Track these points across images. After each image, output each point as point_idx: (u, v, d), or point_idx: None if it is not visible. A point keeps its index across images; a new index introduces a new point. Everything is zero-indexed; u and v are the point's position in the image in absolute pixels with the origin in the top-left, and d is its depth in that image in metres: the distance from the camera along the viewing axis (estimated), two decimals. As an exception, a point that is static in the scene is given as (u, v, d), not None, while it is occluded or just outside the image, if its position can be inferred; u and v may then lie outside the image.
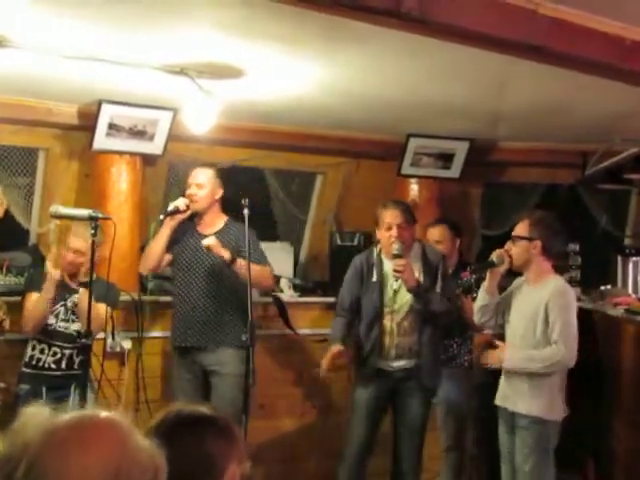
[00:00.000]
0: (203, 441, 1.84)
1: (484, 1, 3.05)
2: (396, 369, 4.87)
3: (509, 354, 4.36)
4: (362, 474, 4.98)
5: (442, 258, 4.99)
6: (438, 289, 4.84)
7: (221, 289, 4.96)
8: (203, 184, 4.99)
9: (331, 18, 3.11)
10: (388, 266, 4.85)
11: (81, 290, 4.58)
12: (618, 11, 3.27)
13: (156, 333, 5.49)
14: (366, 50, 3.88)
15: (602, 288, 6.24)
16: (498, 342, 4.49)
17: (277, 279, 6.02)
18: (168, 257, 5.07)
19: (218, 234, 4.97)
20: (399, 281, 4.78)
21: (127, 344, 5.42)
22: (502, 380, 4.52)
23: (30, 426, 1.38)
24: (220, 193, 5.06)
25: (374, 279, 4.87)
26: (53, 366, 4.68)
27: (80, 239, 4.59)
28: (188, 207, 4.92)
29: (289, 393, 5.89)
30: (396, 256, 4.72)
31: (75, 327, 4.68)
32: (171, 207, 4.90)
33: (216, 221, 5.07)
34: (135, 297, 5.41)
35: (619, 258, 6.71)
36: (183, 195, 5.00)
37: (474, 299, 4.96)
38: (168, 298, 5.71)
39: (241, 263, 4.78)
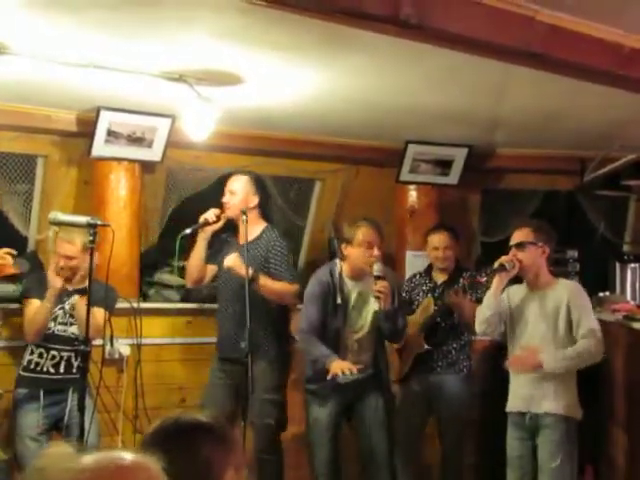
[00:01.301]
0: (200, 448, 1.84)
1: (482, 8, 3.05)
2: (352, 381, 4.74)
3: (546, 356, 4.38)
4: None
5: (396, 278, 5.15)
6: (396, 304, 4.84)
7: (257, 302, 4.84)
8: (236, 191, 4.99)
9: (329, 25, 3.12)
10: (350, 285, 4.87)
11: (76, 297, 4.60)
12: (616, 18, 3.28)
13: (155, 340, 5.48)
14: (364, 57, 3.89)
15: (601, 295, 6.22)
16: (526, 347, 4.51)
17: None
18: (213, 268, 5.13)
19: (252, 243, 4.96)
20: (359, 299, 4.84)
21: (126, 351, 5.42)
22: (520, 384, 4.55)
23: (53, 469, 1.32)
24: (256, 201, 5.05)
25: (339, 301, 4.83)
26: (52, 370, 4.68)
27: (68, 244, 4.62)
28: (219, 217, 4.92)
29: (288, 401, 5.87)
30: (378, 277, 4.70)
31: (73, 330, 4.69)
32: (201, 220, 4.93)
33: (254, 229, 5.04)
34: (134, 304, 5.40)
35: (618, 265, 6.71)
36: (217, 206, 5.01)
37: (477, 300, 4.97)
38: (167, 305, 5.73)
39: (263, 282, 4.82)
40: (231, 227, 5.12)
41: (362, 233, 4.78)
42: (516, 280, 4.74)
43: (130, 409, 5.41)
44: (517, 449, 4.53)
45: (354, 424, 5.01)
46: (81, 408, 4.14)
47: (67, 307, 4.72)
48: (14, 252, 4.59)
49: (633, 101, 4.09)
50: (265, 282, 4.84)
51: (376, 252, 4.76)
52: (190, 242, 5.06)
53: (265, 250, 4.98)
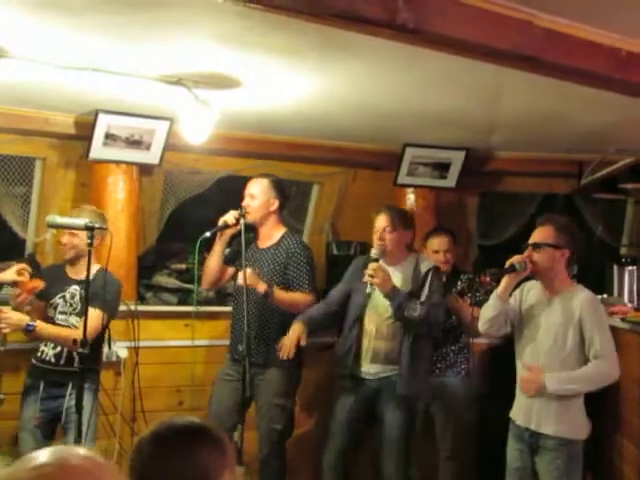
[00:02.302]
0: (196, 451, 1.85)
1: (479, 12, 3.05)
2: (373, 377, 4.84)
3: (549, 378, 4.14)
4: (344, 467, 5.01)
5: (433, 268, 4.92)
6: (423, 298, 4.77)
7: (271, 308, 4.91)
8: (256, 195, 4.96)
9: (327, 29, 3.12)
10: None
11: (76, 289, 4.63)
12: (613, 22, 3.28)
13: (152, 342, 5.48)
14: (362, 61, 3.90)
15: (598, 297, 6.23)
16: (530, 366, 4.27)
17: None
18: (231, 271, 5.14)
19: (272, 248, 4.99)
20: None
21: (123, 353, 5.42)
22: (522, 397, 4.35)
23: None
24: (276, 204, 5.02)
25: (363, 279, 4.82)
26: (53, 360, 4.66)
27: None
28: (238, 220, 4.83)
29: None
30: (372, 260, 4.73)
31: (73, 320, 4.67)
32: (220, 223, 4.87)
33: (273, 233, 5.06)
34: (132, 306, 5.41)
35: (615, 267, 6.71)
36: (235, 208, 4.94)
37: (477, 303, 4.95)
38: (165, 308, 5.74)
39: (277, 297, 4.83)
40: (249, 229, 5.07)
41: (376, 219, 4.87)
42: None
43: (128, 412, 5.42)
44: (517, 460, 4.33)
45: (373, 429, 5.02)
46: (79, 409, 4.14)
47: (68, 296, 4.71)
48: (29, 269, 4.57)
49: (630, 105, 4.09)
50: (279, 296, 4.86)
51: (376, 236, 4.81)
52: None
53: (285, 257, 4.97)
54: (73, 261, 4.73)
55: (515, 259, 4.26)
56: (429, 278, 4.84)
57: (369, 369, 4.86)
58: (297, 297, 4.92)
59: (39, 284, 4.53)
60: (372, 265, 4.68)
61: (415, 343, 4.83)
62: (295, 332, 4.82)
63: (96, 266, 4.68)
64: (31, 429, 4.63)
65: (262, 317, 4.95)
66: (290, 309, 4.93)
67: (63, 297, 4.71)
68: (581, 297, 4.22)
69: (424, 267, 4.89)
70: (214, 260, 5.06)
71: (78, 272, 4.70)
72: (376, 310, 4.86)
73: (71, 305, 4.70)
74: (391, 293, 4.70)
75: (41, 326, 4.48)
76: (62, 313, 4.69)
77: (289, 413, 5.05)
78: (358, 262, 5.08)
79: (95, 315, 4.51)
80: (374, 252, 4.77)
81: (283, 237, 5.05)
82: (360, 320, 4.87)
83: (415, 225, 5.12)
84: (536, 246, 4.26)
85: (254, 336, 4.88)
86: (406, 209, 5.14)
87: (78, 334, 4.24)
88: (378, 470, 4.99)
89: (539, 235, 4.30)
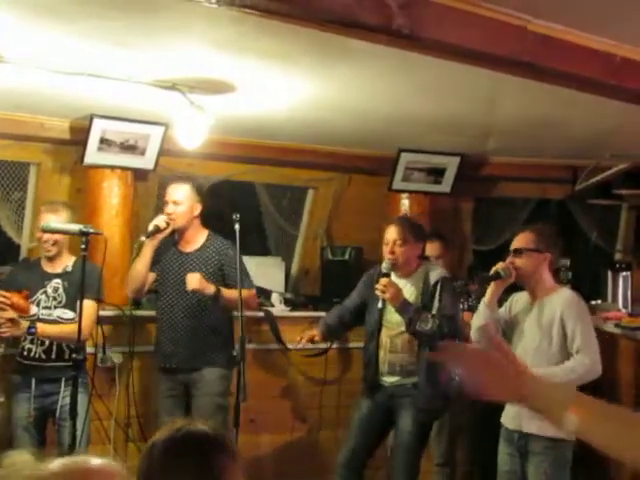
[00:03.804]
0: (209, 459, 1.84)
1: (474, 18, 3.06)
2: (390, 384, 4.84)
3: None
4: (359, 468, 4.94)
5: (442, 279, 4.81)
6: (434, 310, 4.70)
7: (205, 308, 4.89)
8: (180, 201, 4.90)
9: (322, 35, 3.12)
10: (396, 281, 4.78)
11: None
12: (608, 28, 3.29)
13: (147, 348, 5.47)
14: (357, 66, 3.90)
15: (592, 303, 6.24)
16: None
17: (268, 293, 6.02)
18: (152, 276, 5.04)
19: (199, 251, 4.96)
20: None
21: (118, 359, 5.41)
22: None
23: (17, 477, 1.31)
24: (199, 208, 4.97)
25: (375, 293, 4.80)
26: (43, 356, 4.63)
27: (53, 215, 4.62)
28: (168, 224, 4.83)
29: (279, 408, 5.88)
30: (383, 275, 4.69)
31: (58, 313, 4.66)
32: (151, 227, 4.80)
33: (197, 237, 5.01)
34: (126, 311, 5.40)
35: (609, 273, 6.73)
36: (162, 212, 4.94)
37: (469, 309, 4.95)
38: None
39: (227, 296, 4.81)
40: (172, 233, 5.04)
41: (386, 231, 4.82)
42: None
43: (122, 417, 5.41)
44: (507, 464, 4.34)
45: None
46: (73, 416, 4.13)
47: (49, 290, 4.70)
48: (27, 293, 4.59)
49: (624, 110, 4.11)
50: (228, 295, 4.82)
51: (387, 249, 4.75)
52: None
53: (217, 257, 4.94)
54: (53, 256, 4.74)
55: (499, 266, 4.31)
56: (438, 289, 4.79)
57: (387, 379, 4.84)
58: (244, 293, 4.80)
59: (21, 302, 4.53)
60: (383, 281, 4.64)
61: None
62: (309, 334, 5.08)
63: (72, 257, 4.75)
64: (26, 426, 4.62)
65: (197, 318, 4.90)
66: (236, 306, 4.77)
67: (45, 292, 4.70)
68: (562, 296, 4.28)
69: (433, 277, 4.82)
70: (142, 265, 4.90)
71: (56, 266, 4.73)
72: (389, 324, 4.85)
73: (55, 299, 4.68)
74: (402, 307, 4.68)
75: (42, 327, 4.50)
76: (46, 308, 4.66)
77: (227, 411, 4.89)
78: (371, 271, 5.04)
79: (90, 305, 4.53)
80: (385, 266, 4.73)
81: (208, 239, 5.02)
82: (377, 333, 4.86)
83: (426, 236, 5.10)
84: (517, 251, 4.30)
85: (186, 340, 4.87)
86: (418, 220, 5.04)
87: (81, 326, 4.29)
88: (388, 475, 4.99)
89: (519, 241, 4.34)
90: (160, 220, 4.83)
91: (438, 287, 4.78)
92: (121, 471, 1.40)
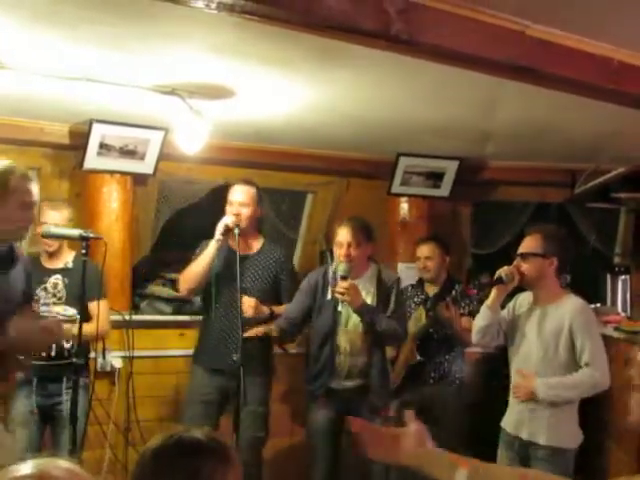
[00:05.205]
0: (202, 466, 1.84)
1: (472, 23, 3.07)
2: (346, 388, 4.79)
3: (539, 384, 4.13)
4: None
5: (397, 281, 4.89)
6: (389, 312, 4.75)
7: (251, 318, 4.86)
8: (247, 202, 4.88)
9: (321, 40, 3.13)
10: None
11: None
12: (606, 33, 3.30)
13: (147, 352, 5.48)
14: (356, 71, 3.91)
15: (592, 306, 6.24)
16: (524, 372, 4.24)
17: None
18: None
19: (258, 255, 4.98)
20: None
21: (118, 363, 5.42)
22: (515, 405, 4.32)
23: None
24: (259, 212, 4.99)
25: (328, 297, 4.78)
26: (43, 354, 4.63)
27: (54, 211, 4.63)
28: (236, 225, 4.76)
29: (278, 411, 5.87)
30: (341, 277, 4.63)
31: (58, 309, 4.66)
32: (221, 226, 4.75)
33: (255, 241, 5.03)
34: (126, 316, 5.41)
35: (608, 276, 6.73)
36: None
37: (469, 313, 4.95)
38: (159, 317, 5.73)
39: (276, 312, 4.88)
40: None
41: (338, 233, 4.78)
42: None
43: (122, 422, 5.41)
44: None
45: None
46: (73, 421, 4.13)
47: (49, 287, 4.71)
48: None
49: (622, 114, 4.11)
50: (278, 313, 4.91)
51: (342, 251, 4.70)
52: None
53: (275, 265, 4.98)
54: (53, 252, 4.75)
55: (503, 271, 4.26)
56: (394, 291, 4.83)
57: (346, 383, 4.79)
58: (282, 309, 4.94)
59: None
60: (342, 284, 4.58)
61: (383, 355, 4.90)
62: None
63: (72, 252, 4.76)
64: (25, 423, 4.63)
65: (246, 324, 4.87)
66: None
67: (44, 289, 4.71)
68: (571, 305, 4.20)
69: (387, 278, 4.85)
70: (205, 263, 4.84)
71: (56, 262, 4.75)
72: (348, 326, 4.80)
73: (54, 295, 4.70)
74: (362, 309, 4.66)
75: (67, 328, 4.51)
76: (45, 304, 4.68)
77: (268, 420, 5.03)
78: (313, 278, 4.95)
79: (103, 305, 4.60)
80: (342, 268, 4.64)
81: (264, 245, 5.04)
82: (332, 337, 4.78)
83: (376, 236, 5.05)
84: (524, 256, 4.25)
85: (234, 343, 4.76)
86: (367, 220, 5.00)
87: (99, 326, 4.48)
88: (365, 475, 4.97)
89: (526, 245, 4.29)
90: (229, 220, 4.77)
91: (394, 288, 4.82)
92: (87, 476, 1.41)
